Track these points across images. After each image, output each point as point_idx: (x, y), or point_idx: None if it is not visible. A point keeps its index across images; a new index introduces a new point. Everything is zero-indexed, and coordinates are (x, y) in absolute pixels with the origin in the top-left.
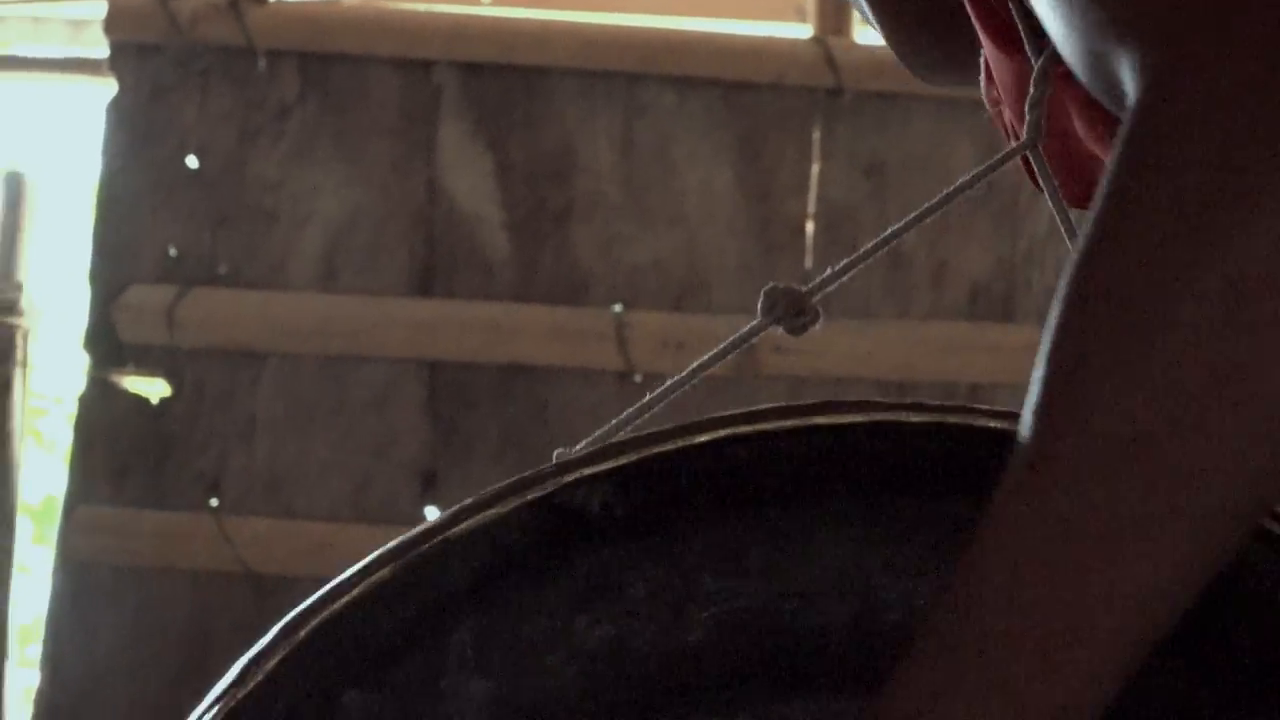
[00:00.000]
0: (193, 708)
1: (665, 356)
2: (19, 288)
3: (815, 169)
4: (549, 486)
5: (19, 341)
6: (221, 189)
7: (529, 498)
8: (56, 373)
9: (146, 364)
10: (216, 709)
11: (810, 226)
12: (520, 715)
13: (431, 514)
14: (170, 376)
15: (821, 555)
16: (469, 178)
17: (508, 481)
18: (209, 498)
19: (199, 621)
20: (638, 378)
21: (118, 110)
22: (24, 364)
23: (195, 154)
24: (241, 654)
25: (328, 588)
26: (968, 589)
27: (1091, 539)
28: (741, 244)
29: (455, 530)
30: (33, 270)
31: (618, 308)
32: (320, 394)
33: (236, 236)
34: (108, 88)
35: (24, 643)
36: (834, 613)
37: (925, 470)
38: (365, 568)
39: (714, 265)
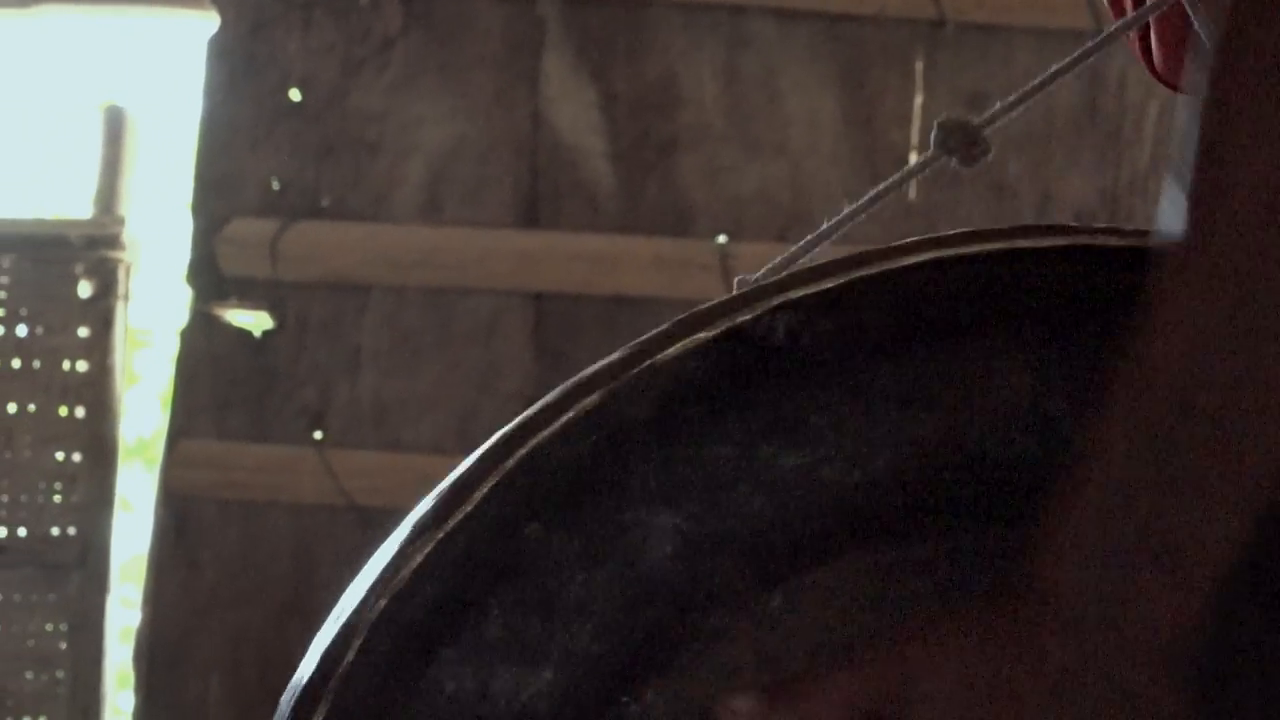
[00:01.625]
0: (297, 642)
1: None
2: (120, 222)
3: (918, 100)
4: (740, 316)
5: (120, 276)
6: (324, 121)
7: (717, 330)
8: (158, 307)
9: (249, 297)
10: (424, 537)
11: (913, 157)
12: (706, 549)
13: None
14: (273, 309)
15: (1004, 386)
16: (573, 109)
17: (698, 310)
18: (313, 431)
19: (302, 555)
20: None
21: (219, 43)
22: (125, 298)
23: (298, 87)
24: (344, 589)
25: (530, 413)
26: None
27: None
28: (845, 174)
29: (661, 357)
30: (134, 204)
31: (722, 239)
32: (425, 326)
33: (339, 169)
34: (209, 21)
35: (122, 581)
36: (1015, 445)
37: (1114, 298)
38: (569, 392)
39: (818, 196)
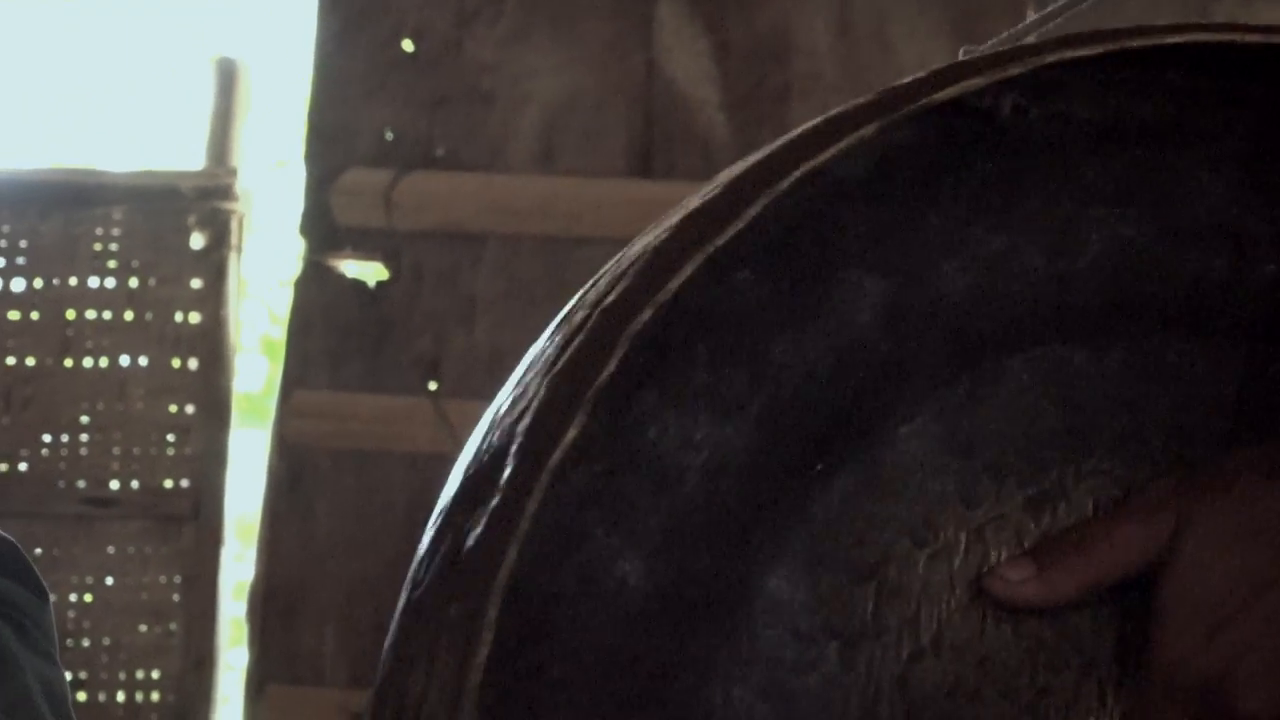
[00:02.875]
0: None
1: None
2: (233, 173)
3: None
4: (968, 85)
5: (233, 227)
6: (438, 72)
7: (944, 96)
8: (271, 258)
9: (363, 247)
10: (692, 246)
11: None
12: (908, 320)
13: None
14: (388, 259)
15: (1205, 197)
16: (686, 58)
17: (925, 74)
18: (428, 381)
19: (417, 505)
20: None
21: None
22: (238, 249)
23: (410, 37)
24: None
25: (801, 131)
26: None
27: None
28: None
29: (936, 97)
30: (246, 155)
31: None
32: (539, 275)
33: (453, 119)
34: None
35: (234, 537)
36: (1210, 256)
37: None
38: (844, 116)
39: None
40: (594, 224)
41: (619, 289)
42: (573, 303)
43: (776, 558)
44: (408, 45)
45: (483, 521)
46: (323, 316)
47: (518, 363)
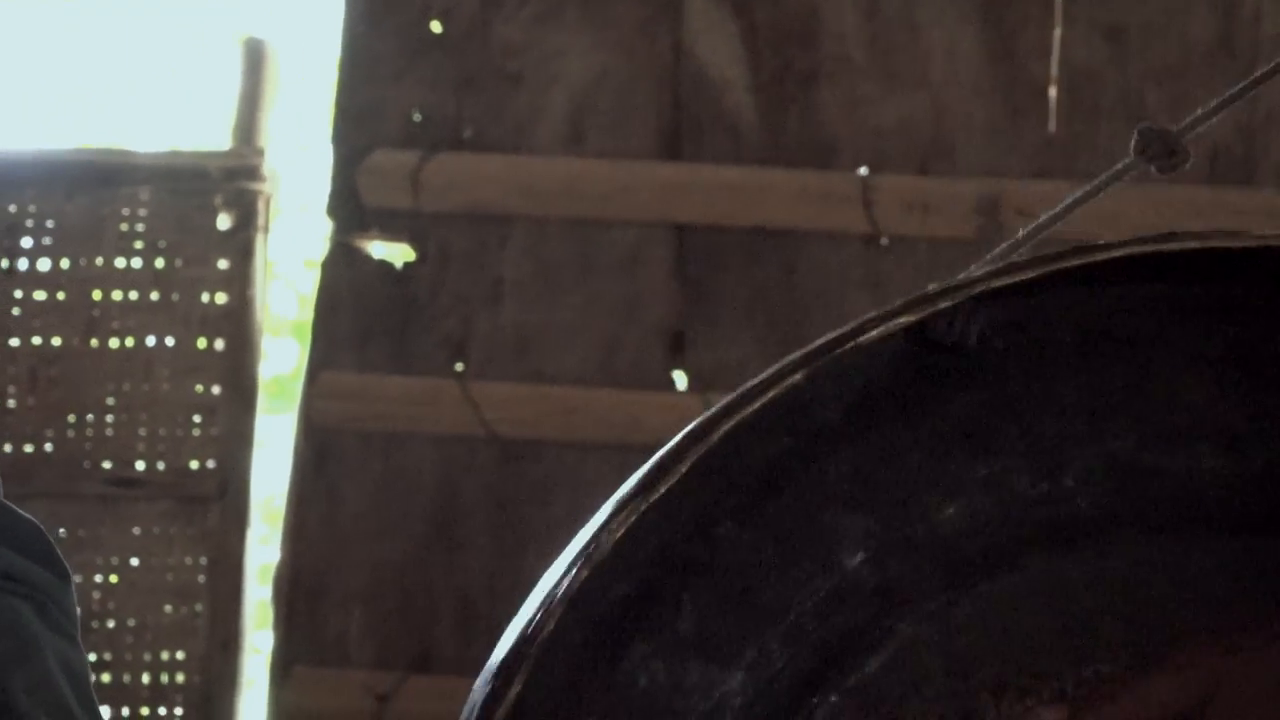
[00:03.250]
0: (439, 575)
1: (911, 219)
2: (260, 153)
3: (1057, 33)
4: (930, 314)
5: (260, 207)
6: (465, 53)
7: (903, 323)
8: (298, 239)
9: (390, 228)
10: (623, 515)
11: (1053, 90)
12: (896, 554)
13: (680, 379)
14: (414, 241)
15: (1189, 398)
16: (715, 40)
17: (888, 308)
18: (454, 362)
19: (444, 486)
20: (884, 240)
21: None
22: (265, 229)
23: (438, 18)
24: (487, 519)
25: (739, 392)
26: None
27: None
28: (986, 106)
29: (865, 338)
30: (273, 136)
31: (863, 170)
32: (567, 257)
33: (481, 100)
34: None
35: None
36: (1199, 457)
37: None
38: (777, 372)
39: (959, 128)
40: (622, 206)
41: (567, 555)
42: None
43: None
44: (436, 26)
45: None
46: (350, 298)
47: (544, 344)
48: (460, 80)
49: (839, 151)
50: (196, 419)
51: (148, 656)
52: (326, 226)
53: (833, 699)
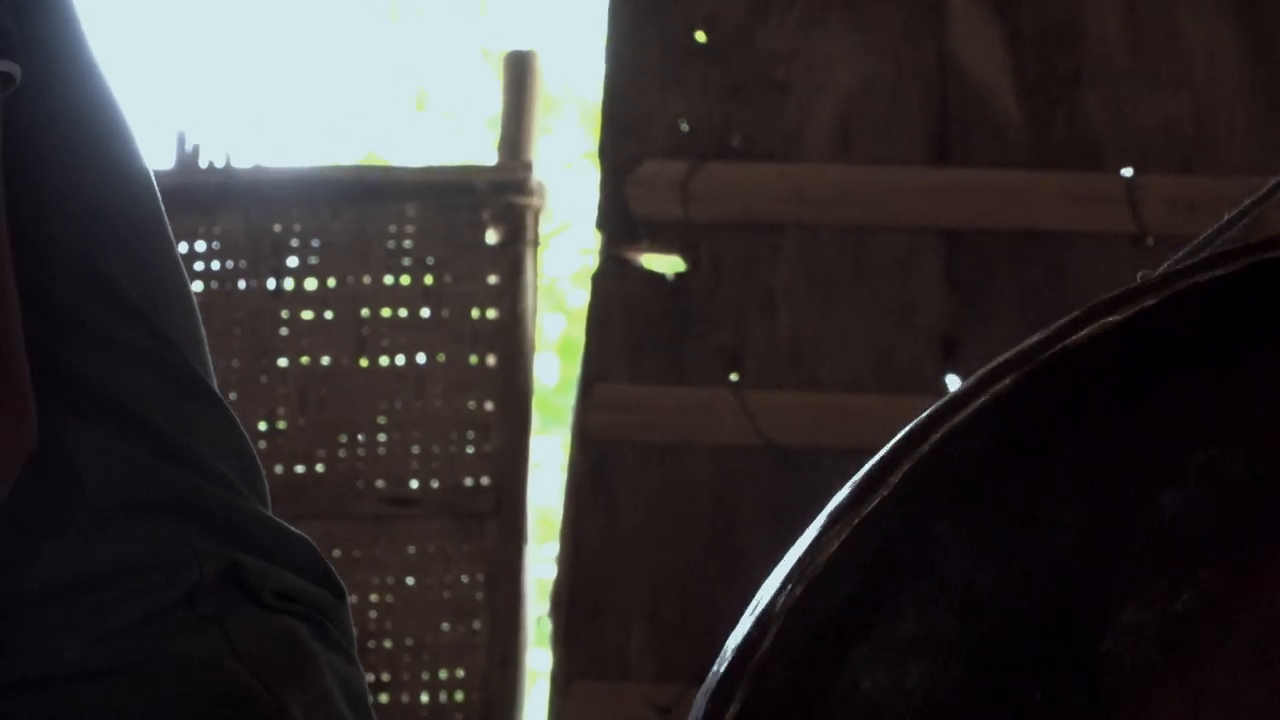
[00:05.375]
0: (720, 585)
1: (1176, 219)
2: (527, 167)
3: None
4: (1148, 302)
5: (529, 221)
6: (732, 62)
7: (1112, 321)
8: (566, 251)
9: (660, 239)
10: (837, 528)
11: None
12: (1114, 543)
13: (953, 382)
14: (685, 251)
15: None
16: (979, 45)
17: (1106, 297)
18: (729, 372)
19: (722, 496)
20: (1150, 241)
21: None
22: (534, 244)
23: (703, 27)
24: (766, 528)
25: (946, 400)
26: None
27: None
28: (1248, 104)
29: (1073, 340)
30: (540, 149)
31: (1128, 171)
32: (838, 264)
33: (749, 109)
34: None
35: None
36: None
37: None
38: (984, 378)
39: (1221, 126)
40: (891, 211)
41: (782, 571)
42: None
43: None
44: (700, 36)
45: None
46: (622, 309)
47: (818, 352)
48: (727, 89)
49: (1103, 153)
50: (470, 435)
51: (426, 675)
52: (597, 239)
53: (1055, 690)
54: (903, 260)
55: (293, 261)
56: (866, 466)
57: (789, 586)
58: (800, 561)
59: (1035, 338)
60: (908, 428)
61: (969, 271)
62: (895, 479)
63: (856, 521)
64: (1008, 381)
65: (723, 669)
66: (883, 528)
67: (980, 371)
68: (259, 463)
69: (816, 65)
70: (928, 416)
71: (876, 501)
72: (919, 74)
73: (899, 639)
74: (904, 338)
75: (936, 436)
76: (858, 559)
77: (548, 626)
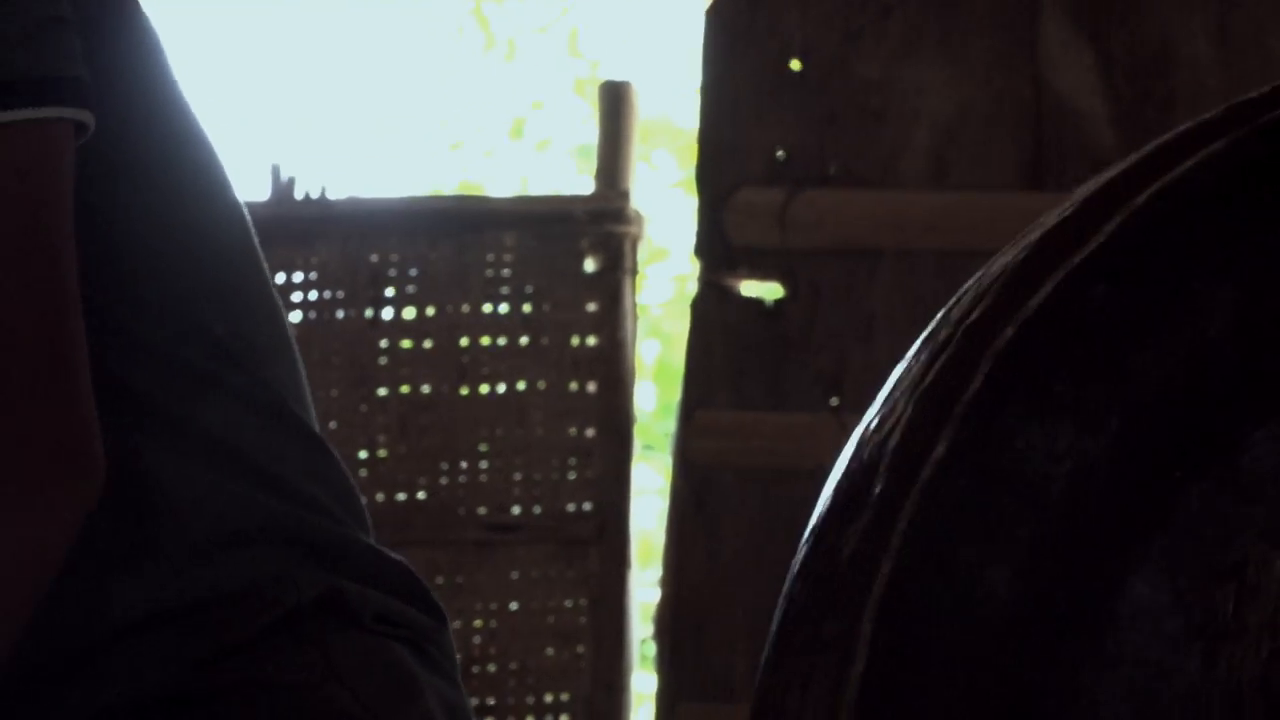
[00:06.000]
0: None
1: None
2: (624, 195)
3: None
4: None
5: (626, 249)
6: (827, 90)
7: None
8: (662, 278)
9: (759, 266)
10: (1051, 262)
11: None
12: (1263, 326)
13: None
14: (783, 277)
15: None
16: (1072, 72)
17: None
18: (829, 396)
19: None
20: None
21: (718, 15)
22: (633, 270)
23: (798, 56)
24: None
25: (1153, 147)
26: None
27: None
28: None
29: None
30: (637, 177)
31: None
32: (936, 289)
33: (844, 136)
34: None
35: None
36: None
37: None
38: (1194, 131)
39: None
40: (988, 237)
41: (981, 307)
42: (936, 321)
43: (1139, 562)
44: (795, 64)
45: (855, 539)
46: (722, 336)
47: None
48: (822, 117)
49: None
50: (572, 461)
51: (531, 700)
52: (695, 266)
53: (1194, 470)
54: None
55: (390, 291)
56: (1067, 209)
57: (997, 327)
58: (1008, 303)
59: (1249, 95)
60: (1109, 175)
61: None
62: (1110, 227)
63: (1069, 269)
64: (1221, 143)
65: (913, 410)
66: (1047, 279)
67: (1188, 125)
68: (358, 493)
69: (911, 93)
70: (1133, 166)
71: (1089, 251)
72: (1013, 100)
73: (1052, 402)
74: None
75: (1149, 191)
76: (1053, 309)
77: (651, 650)
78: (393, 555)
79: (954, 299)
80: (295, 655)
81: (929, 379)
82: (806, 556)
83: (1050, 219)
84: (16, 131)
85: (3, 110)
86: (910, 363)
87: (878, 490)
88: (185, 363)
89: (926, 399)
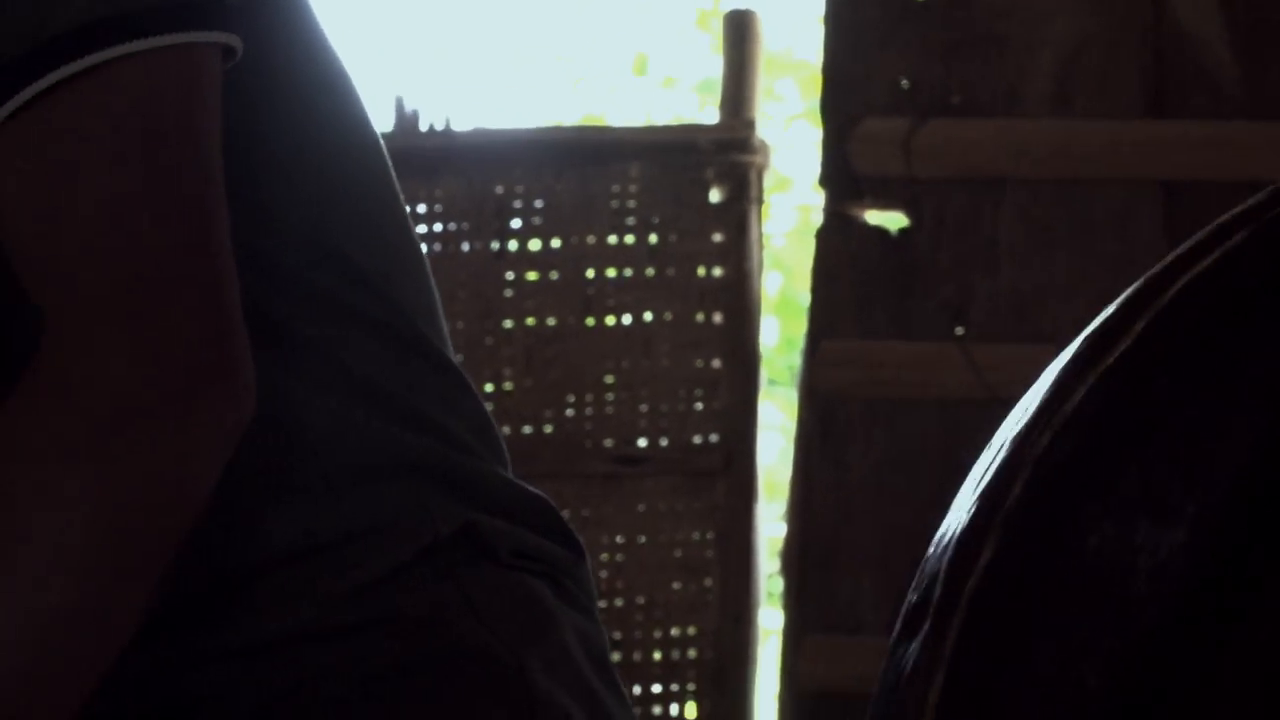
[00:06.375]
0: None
1: None
2: (749, 125)
3: None
4: None
5: (752, 178)
6: (951, 18)
7: None
8: (784, 210)
9: (884, 196)
10: (1082, 377)
11: None
12: None
13: None
14: (908, 207)
15: None
16: None
17: None
18: (954, 325)
19: (949, 449)
20: None
21: None
22: (758, 201)
23: None
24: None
25: (1181, 251)
26: None
27: None
28: None
29: None
30: (762, 107)
31: None
32: (1059, 217)
33: (968, 65)
34: None
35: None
36: None
37: None
38: (1218, 231)
39: None
40: (1111, 165)
41: (1025, 418)
42: (999, 432)
43: (1224, 649)
44: None
45: (915, 649)
46: (847, 266)
47: (1040, 304)
48: (946, 46)
49: None
50: (698, 393)
51: (658, 633)
52: (821, 196)
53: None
54: (1121, 213)
55: (516, 223)
56: (1104, 315)
57: (1038, 436)
58: (1047, 409)
59: (1263, 194)
60: (1145, 277)
61: (1187, 223)
62: (1138, 327)
63: (1102, 370)
64: (1241, 236)
65: (968, 519)
66: (1115, 379)
67: (1215, 223)
68: (494, 425)
69: (1034, 20)
70: (1165, 266)
71: (1120, 352)
72: (1135, 27)
73: (1125, 497)
74: (1124, 289)
75: (1174, 288)
76: (1092, 411)
77: (778, 584)
78: (531, 489)
79: (1045, 389)
80: (431, 591)
81: (980, 488)
82: (884, 669)
83: (1095, 323)
84: (168, 55)
85: (153, 35)
86: (978, 471)
87: (935, 600)
88: (323, 290)
89: (975, 508)
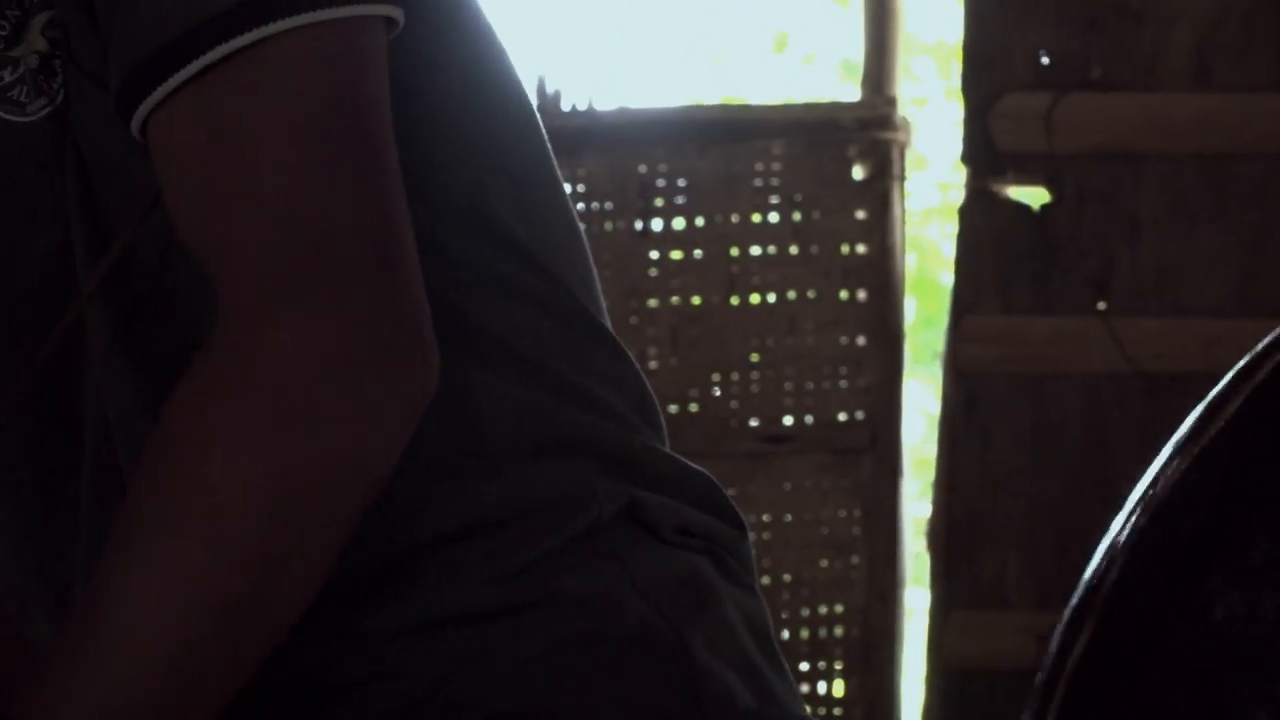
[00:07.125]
0: (1092, 513)
1: None
2: (891, 102)
3: None
4: None
5: (894, 156)
6: None
7: None
8: (930, 185)
9: (1024, 171)
10: (1178, 459)
11: None
12: None
13: None
14: (1049, 182)
15: None
16: None
17: None
18: (1096, 300)
19: (1093, 424)
20: None
21: None
22: (901, 178)
23: None
24: (1136, 454)
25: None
26: None
27: None
28: None
29: None
30: (903, 84)
31: None
32: (1199, 191)
33: (1106, 40)
34: None
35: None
36: None
37: None
38: None
39: None
40: (1251, 139)
41: (1131, 523)
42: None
43: None
44: None
45: None
46: (990, 242)
47: (1182, 279)
48: (1085, 21)
49: None
50: (843, 370)
51: (805, 611)
52: (962, 173)
53: None
54: (1262, 186)
55: (659, 202)
56: (1209, 397)
57: (1132, 519)
58: (1143, 494)
59: None
60: (1245, 358)
61: None
62: (1233, 408)
63: (1196, 452)
64: None
65: (1074, 603)
66: (1224, 457)
67: None
68: (654, 396)
69: None
70: (1264, 347)
71: (1215, 431)
72: (1273, 1)
73: (1250, 567)
74: (1265, 263)
75: (1271, 365)
76: (1203, 489)
77: (923, 562)
78: (692, 465)
79: (1148, 474)
80: (595, 569)
81: (1082, 587)
82: None
83: (1225, 384)
84: (339, 26)
85: (323, 8)
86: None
87: (1040, 679)
88: (485, 264)
89: (1077, 600)
